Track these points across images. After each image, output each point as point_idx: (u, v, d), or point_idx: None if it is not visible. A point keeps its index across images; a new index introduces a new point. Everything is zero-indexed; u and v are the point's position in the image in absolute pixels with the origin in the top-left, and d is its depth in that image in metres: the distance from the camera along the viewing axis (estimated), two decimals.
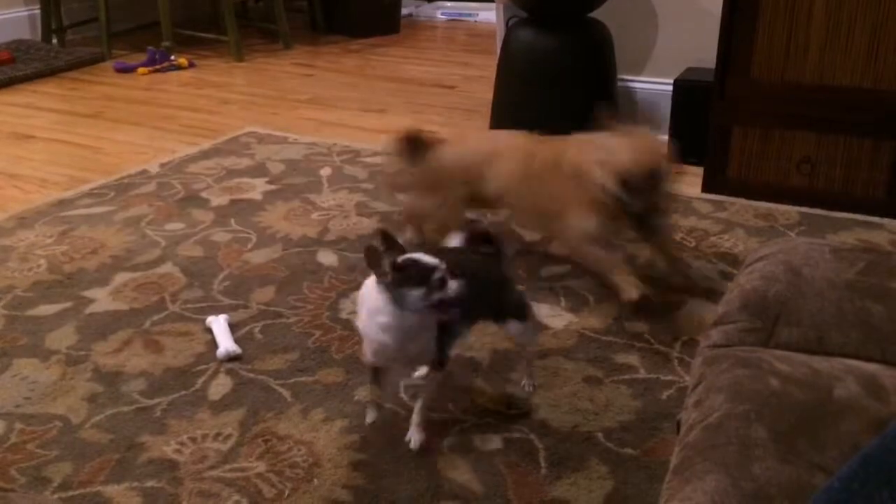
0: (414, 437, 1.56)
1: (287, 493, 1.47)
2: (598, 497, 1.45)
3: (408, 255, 1.43)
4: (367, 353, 1.54)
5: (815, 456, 0.82)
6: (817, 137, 2.50)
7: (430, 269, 1.41)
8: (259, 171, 2.93)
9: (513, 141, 2.14)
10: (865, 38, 2.38)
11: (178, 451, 1.58)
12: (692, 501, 0.78)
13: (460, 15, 5.61)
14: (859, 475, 0.67)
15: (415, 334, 1.48)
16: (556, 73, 2.88)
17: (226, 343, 1.87)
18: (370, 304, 1.47)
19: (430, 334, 1.50)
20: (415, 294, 1.41)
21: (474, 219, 1.79)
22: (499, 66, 3.05)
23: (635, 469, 1.50)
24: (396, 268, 1.41)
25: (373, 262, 1.42)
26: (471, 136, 2.47)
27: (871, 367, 0.94)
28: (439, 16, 5.65)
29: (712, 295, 2.05)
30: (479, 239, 1.67)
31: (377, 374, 1.60)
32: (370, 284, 1.48)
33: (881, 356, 0.97)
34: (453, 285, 1.40)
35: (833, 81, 2.45)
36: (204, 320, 1.97)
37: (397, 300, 1.42)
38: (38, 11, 4.73)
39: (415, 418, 1.57)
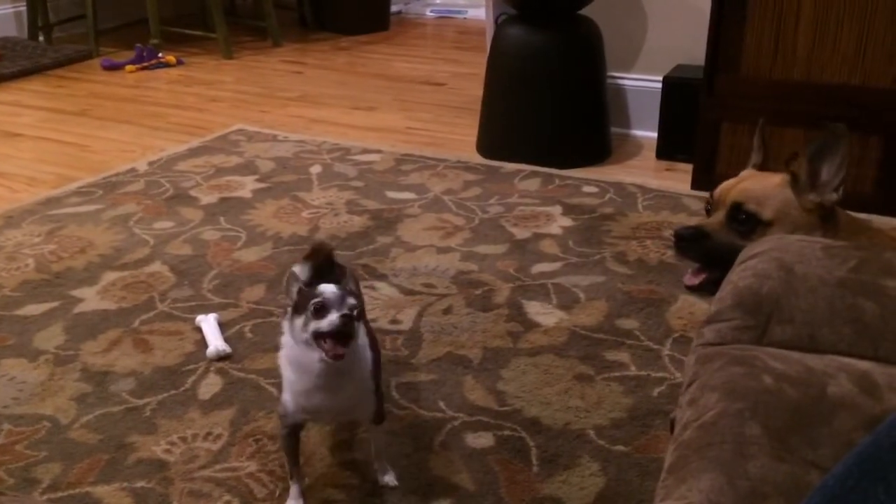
0: (386, 477, 1.47)
1: (278, 492, 1.46)
2: (589, 494, 1.45)
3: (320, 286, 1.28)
4: (285, 400, 1.35)
5: (809, 453, 0.82)
6: (806, 133, 2.51)
7: (314, 295, 1.24)
8: (248, 168, 2.91)
9: None
10: (853, 35, 2.39)
11: (168, 451, 1.57)
12: (687, 500, 0.78)
13: (449, 12, 5.60)
14: (854, 472, 0.67)
15: (329, 380, 1.30)
16: (546, 71, 2.88)
17: (216, 342, 1.86)
18: (290, 342, 1.32)
19: (360, 385, 1.35)
20: (298, 323, 1.26)
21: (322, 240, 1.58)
22: (488, 63, 3.04)
23: (627, 466, 1.51)
24: (299, 292, 1.28)
25: (287, 287, 1.28)
26: None
27: (864, 365, 0.94)
28: (428, 13, 5.64)
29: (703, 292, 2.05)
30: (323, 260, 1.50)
31: (295, 436, 1.41)
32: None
33: (873, 353, 0.97)
34: (332, 317, 1.22)
35: (821, 78, 2.46)
36: (193, 319, 1.96)
37: (291, 332, 1.29)
38: (24, 8, 4.69)
39: (379, 465, 1.48)
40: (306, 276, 1.48)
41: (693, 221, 2.42)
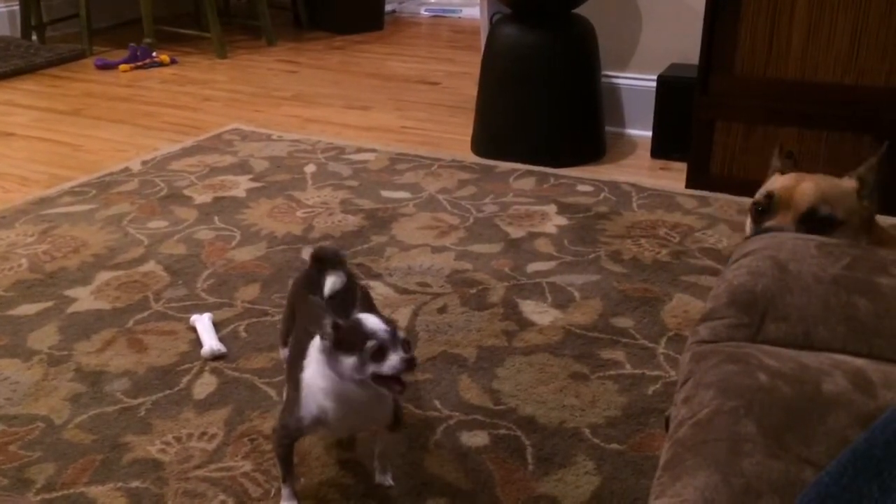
0: (384, 477, 1.47)
1: (273, 492, 1.46)
2: (585, 493, 1.45)
3: (357, 315, 1.24)
4: (305, 418, 1.32)
5: (803, 451, 0.82)
6: (799, 132, 2.51)
7: (367, 335, 1.21)
8: (242, 168, 2.91)
9: None
10: (847, 34, 2.39)
11: (162, 450, 1.56)
12: (682, 498, 0.78)
13: (444, 11, 5.60)
14: (848, 470, 0.68)
15: (365, 405, 1.30)
16: (541, 70, 2.88)
17: (210, 342, 1.85)
18: (314, 363, 1.29)
19: (387, 400, 1.33)
20: (347, 362, 1.23)
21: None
22: (483, 62, 3.04)
23: (622, 464, 1.51)
24: (336, 328, 1.23)
25: (314, 316, 1.24)
26: None
27: (859, 362, 0.95)
28: (423, 12, 5.64)
29: (698, 290, 2.05)
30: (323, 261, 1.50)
31: (291, 451, 1.39)
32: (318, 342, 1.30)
33: (868, 351, 0.97)
34: (394, 360, 1.20)
35: (815, 77, 2.46)
36: (188, 319, 1.96)
37: (333, 366, 1.25)
38: (17, 8, 4.68)
39: (380, 464, 1.47)
40: (338, 287, 1.44)
41: (687, 220, 2.43)
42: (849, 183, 1.46)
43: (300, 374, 1.33)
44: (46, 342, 1.90)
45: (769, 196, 1.49)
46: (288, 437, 1.38)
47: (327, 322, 1.24)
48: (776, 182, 1.51)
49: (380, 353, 1.21)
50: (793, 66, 2.48)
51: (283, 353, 1.57)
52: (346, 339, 1.22)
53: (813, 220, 1.42)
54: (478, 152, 3.05)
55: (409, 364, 1.21)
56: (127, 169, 2.91)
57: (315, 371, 1.30)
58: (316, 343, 1.31)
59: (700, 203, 2.57)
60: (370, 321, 1.24)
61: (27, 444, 1.58)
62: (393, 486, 1.47)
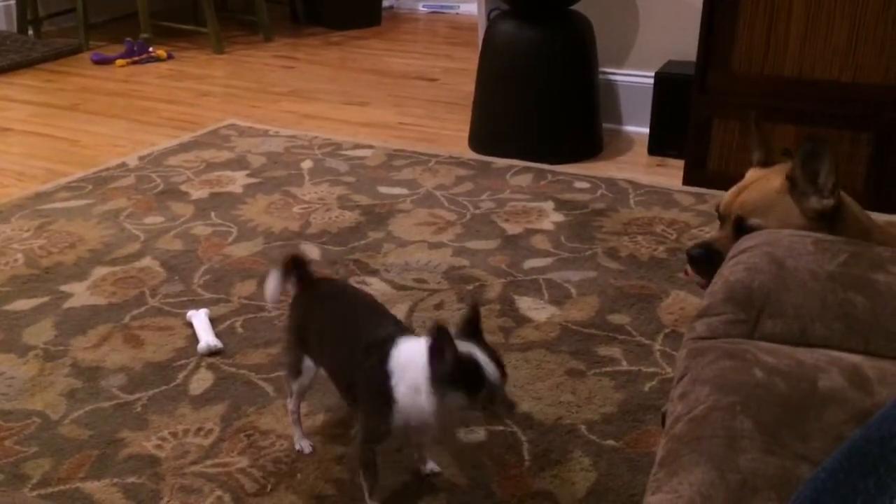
0: (429, 467, 1.49)
1: (270, 487, 1.46)
2: (581, 489, 1.45)
3: (469, 353, 1.23)
4: (396, 424, 1.30)
5: (800, 447, 0.82)
6: (797, 130, 2.51)
7: (483, 381, 1.23)
8: (239, 163, 2.91)
9: None
10: (844, 31, 2.39)
11: (158, 446, 1.56)
12: (679, 494, 0.78)
13: (442, 7, 5.59)
14: (844, 466, 0.68)
15: (459, 417, 1.40)
16: (538, 66, 2.88)
17: (206, 337, 1.85)
18: (413, 378, 1.27)
19: None
20: (457, 397, 1.23)
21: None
22: (480, 58, 3.04)
23: (618, 461, 1.51)
24: (456, 362, 1.22)
25: (442, 344, 1.21)
26: None
27: (855, 359, 0.95)
28: (421, 8, 5.63)
29: (694, 287, 2.05)
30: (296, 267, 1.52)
31: (376, 458, 1.38)
32: (413, 352, 1.27)
33: (864, 347, 0.98)
34: (501, 410, 1.26)
35: (812, 75, 2.46)
36: (184, 314, 1.96)
37: (440, 393, 1.24)
38: (13, 2, 4.66)
39: (419, 454, 1.49)
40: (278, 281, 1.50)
41: (684, 217, 2.43)
42: (779, 184, 1.39)
43: (390, 388, 1.29)
44: (42, 337, 1.90)
45: (717, 208, 1.51)
46: (376, 441, 1.35)
47: (450, 352, 1.22)
48: (728, 191, 1.51)
49: (490, 398, 1.23)
50: (790, 63, 2.48)
51: (297, 385, 1.51)
52: (462, 378, 1.22)
53: (743, 233, 1.38)
54: (475, 149, 3.05)
55: (511, 409, 1.29)
56: (123, 164, 2.91)
57: (415, 390, 1.27)
58: (402, 359, 1.29)
59: (697, 200, 2.58)
60: (488, 367, 1.23)
61: (23, 440, 1.58)
62: (441, 472, 1.47)
